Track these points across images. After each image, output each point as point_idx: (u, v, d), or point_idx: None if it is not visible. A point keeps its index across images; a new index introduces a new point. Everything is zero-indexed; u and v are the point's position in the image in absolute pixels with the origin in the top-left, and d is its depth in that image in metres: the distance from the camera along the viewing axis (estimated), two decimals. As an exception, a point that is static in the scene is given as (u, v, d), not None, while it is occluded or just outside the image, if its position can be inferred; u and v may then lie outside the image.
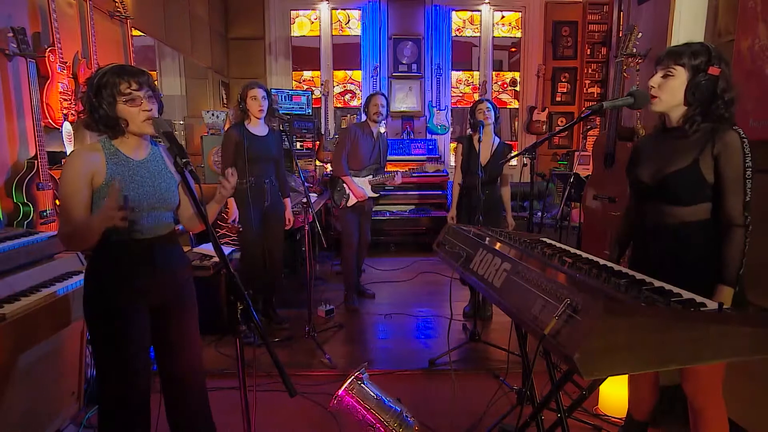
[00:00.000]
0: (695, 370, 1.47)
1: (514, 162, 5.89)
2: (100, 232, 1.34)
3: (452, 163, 6.17)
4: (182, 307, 1.57)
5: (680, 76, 1.43)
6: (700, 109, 1.43)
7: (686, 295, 1.11)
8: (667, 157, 1.49)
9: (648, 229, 1.56)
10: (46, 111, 2.35)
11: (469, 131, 3.37)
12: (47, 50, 2.36)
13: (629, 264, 1.64)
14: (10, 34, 2.13)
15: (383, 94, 3.51)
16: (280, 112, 3.14)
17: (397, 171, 3.54)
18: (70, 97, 2.49)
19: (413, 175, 5.44)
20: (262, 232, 3.07)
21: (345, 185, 3.47)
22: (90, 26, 2.72)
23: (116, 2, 3.01)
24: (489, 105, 3.12)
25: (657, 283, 1.19)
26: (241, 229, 2.97)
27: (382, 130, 5.58)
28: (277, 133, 3.10)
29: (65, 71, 2.47)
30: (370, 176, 3.52)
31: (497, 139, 3.22)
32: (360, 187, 3.47)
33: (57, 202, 2.36)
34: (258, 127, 2.99)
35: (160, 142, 1.49)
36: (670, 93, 1.45)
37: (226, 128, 4.25)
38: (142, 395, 1.46)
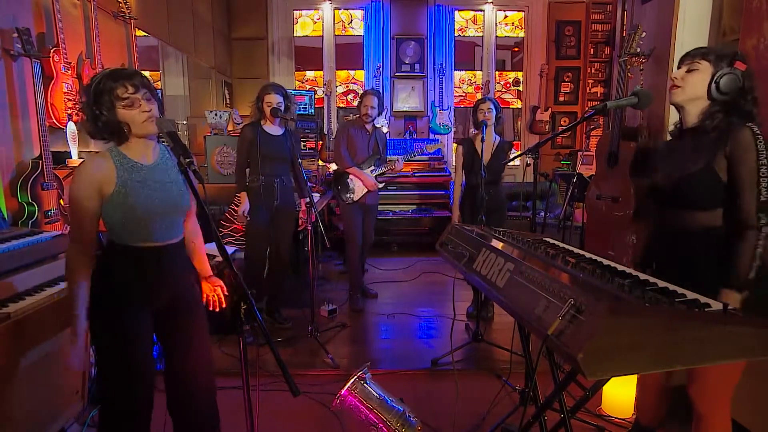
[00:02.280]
0: (702, 374, 1.43)
1: (517, 162, 5.88)
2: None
3: (455, 163, 6.16)
4: (187, 310, 1.57)
5: (705, 70, 1.40)
6: (722, 107, 1.39)
7: (690, 295, 1.10)
8: (680, 159, 1.46)
9: (668, 235, 1.51)
10: (50, 111, 2.36)
11: (472, 130, 3.37)
12: (52, 51, 2.37)
13: (654, 271, 1.56)
14: (15, 35, 2.14)
15: (376, 94, 3.48)
16: (282, 112, 3.16)
17: (398, 157, 3.55)
18: (74, 98, 2.50)
19: (415, 175, 5.49)
20: (270, 232, 3.09)
21: (350, 180, 3.47)
22: (94, 27, 2.73)
23: (120, 3, 3.02)
24: (492, 105, 3.10)
25: (661, 283, 1.18)
26: (248, 218, 3.01)
27: (385, 129, 5.62)
28: (289, 133, 3.12)
29: (69, 71, 2.48)
30: (373, 167, 3.54)
31: (497, 138, 3.20)
32: (368, 176, 3.48)
33: (61, 201, 2.37)
34: (273, 127, 3.04)
35: (164, 142, 1.49)
36: (693, 85, 1.41)
37: (228, 128, 4.27)
38: (144, 397, 1.46)
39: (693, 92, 1.42)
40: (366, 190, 3.50)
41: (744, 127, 1.35)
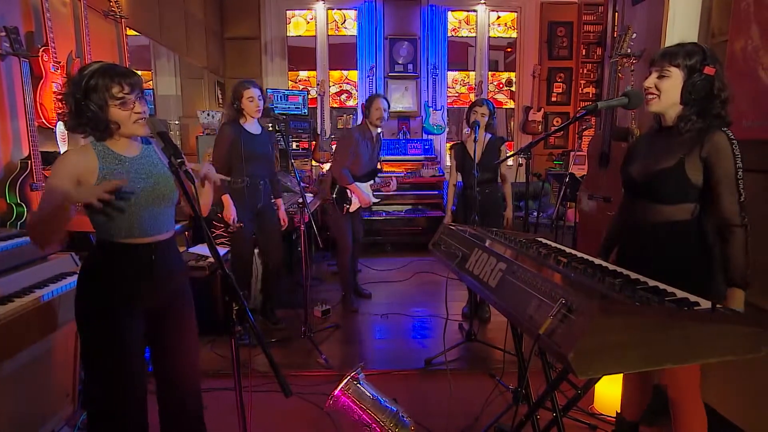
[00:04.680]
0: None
1: (510, 162, 5.90)
2: (67, 212, 1.27)
3: (448, 163, 6.18)
4: (179, 311, 1.55)
5: (676, 76, 1.44)
6: (696, 109, 1.44)
7: (680, 294, 1.12)
8: (656, 155, 1.51)
9: (634, 226, 1.58)
10: (39, 111, 2.34)
11: (466, 130, 3.39)
12: (41, 50, 2.34)
13: (616, 259, 1.66)
14: (3, 34, 2.11)
15: (385, 98, 3.45)
16: (276, 111, 3.13)
17: (391, 177, 3.54)
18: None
19: (408, 175, 5.50)
20: (256, 234, 3.06)
21: (348, 192, 3.44)
22: (84, 26, 2.70)
23: (110, 2, 2.99)
24: (487, 109, 3.11)
25: (651, 283, 1.19)
26: (242, 226, 2.90)
27: (378, 130, 5.62)
28: (269, 133, 3.07)
29: (59, 71, 2.45)
30: (371, 182, 3.52)
31: (489, 135, 3.19)
32: (365, 193, 3.46)
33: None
34: (253, 126, 2.96)
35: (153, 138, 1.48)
36: (666, 93, 1.46)
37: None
38: (136, 399, 1.44)
39: (667, 100, 1.47)
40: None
41: (719, 131, 1.40)
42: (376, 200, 3.56)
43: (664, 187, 1.46)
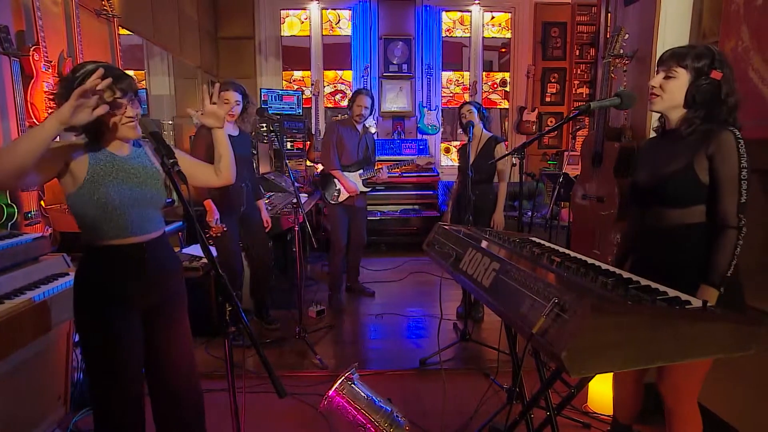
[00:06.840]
0: (671, 371, 1.47)
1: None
2: (41, 139, 1.16)
3: (443, 164, 6.20)
4: (171, 310, 1.54)
5: (682, 77, 1.42)
6: (701, 113, 1.41)
7: (671, 293, 1.12)
8: (663, 159, 1.48)
9: (646, 232, 1.55)
10: (30, 111, 2.31)
11: (460, 131, 3.41)
12: (31, 49, 2.32)
13: (631, 267, 1.62)
14: (-7, 33, 2.09)
15: (368, 94, 3.46)
16: (270, 111, 3.12)
17: (382, 166, 3.56)
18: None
19: (403, 175, 5.50)
20: (241, 237, 3.03)
21: (336, 180, 3.47)
22: (76, 25, 2.68)
23: (102, 1, 2.97)
24: (471, 107, 3.18)
25: (643, 282, 1.20)
26: (225, 229, 2.84)
27: (373, 130, 5.62)
28: (246, 135, 3.02)
29: (50, 70, 2.43)
30: (360, 171, 3.53)
31: (488, 135, 3.22)
32: (351, 181, 3.47)
33: (42, 203, 2.32)
34: (228, 128, 2.85)
35: (146, 140, 1.47)
36: (670, 94, 1.44)
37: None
38: (134, 399, 1.44)
39: (671, 101, 1.45)
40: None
41: (726, 130, 1.37)
42: (366, 189, 3.55)
43: (675, 190, 1.43)
